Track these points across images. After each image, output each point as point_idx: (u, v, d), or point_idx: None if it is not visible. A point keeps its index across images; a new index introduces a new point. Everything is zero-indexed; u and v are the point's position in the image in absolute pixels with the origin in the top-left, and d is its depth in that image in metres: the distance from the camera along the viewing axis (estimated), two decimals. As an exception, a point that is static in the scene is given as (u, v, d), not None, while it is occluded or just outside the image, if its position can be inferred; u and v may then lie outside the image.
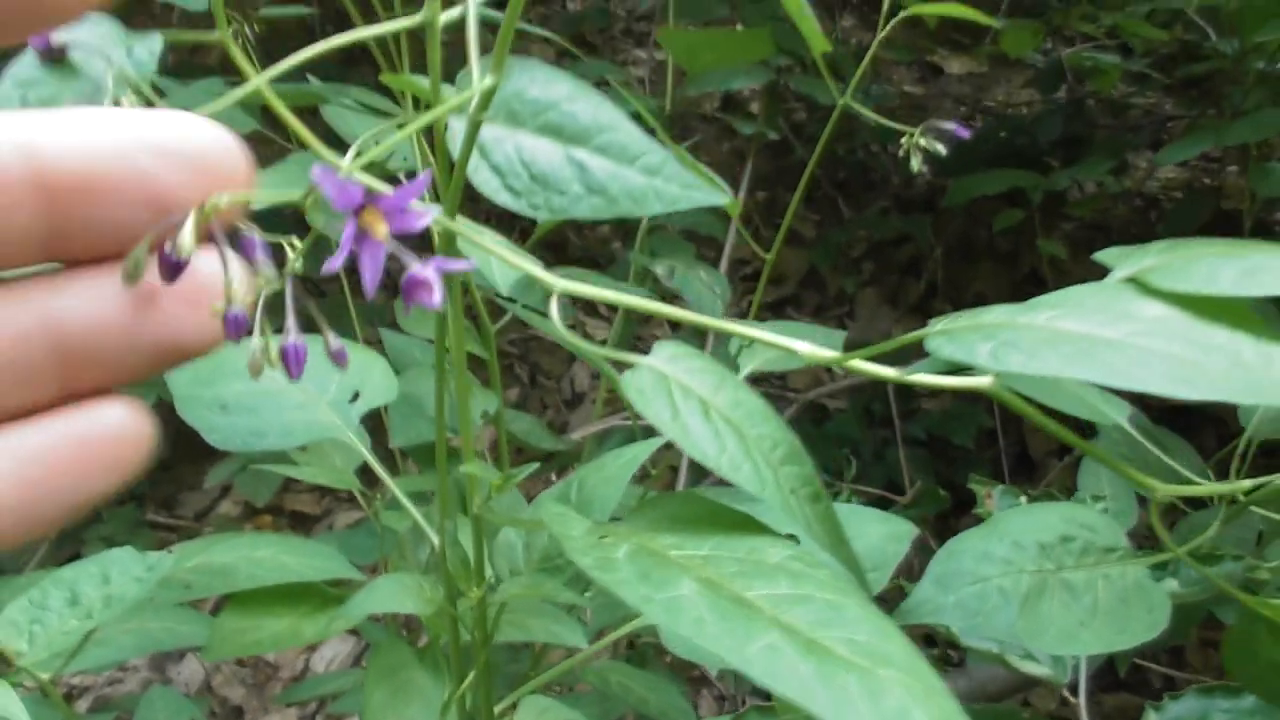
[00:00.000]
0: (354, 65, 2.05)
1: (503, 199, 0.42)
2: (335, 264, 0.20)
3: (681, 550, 0.33)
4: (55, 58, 0.38)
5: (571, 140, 0.42)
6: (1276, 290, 0.36)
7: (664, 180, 0.42)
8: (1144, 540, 1.07)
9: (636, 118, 1.23)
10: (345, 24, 0.67)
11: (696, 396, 0.38)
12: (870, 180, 1.96)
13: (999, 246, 1.79)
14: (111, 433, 0.21)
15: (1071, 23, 1.46)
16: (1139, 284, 0.38)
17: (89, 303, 0.21)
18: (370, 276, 0.20)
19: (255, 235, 0.21)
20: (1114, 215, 1.83)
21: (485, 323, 0.84)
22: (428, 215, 0.21)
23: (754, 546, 0.33)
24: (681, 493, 0.41)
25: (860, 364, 0.44)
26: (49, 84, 0.39)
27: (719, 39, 1.00)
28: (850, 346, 0.99)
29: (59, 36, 0.38)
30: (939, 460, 1.46)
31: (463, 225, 0.60)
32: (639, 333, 1.86)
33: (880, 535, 0.55)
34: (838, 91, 0.67)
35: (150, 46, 0.39)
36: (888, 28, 0.66)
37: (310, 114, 0.98)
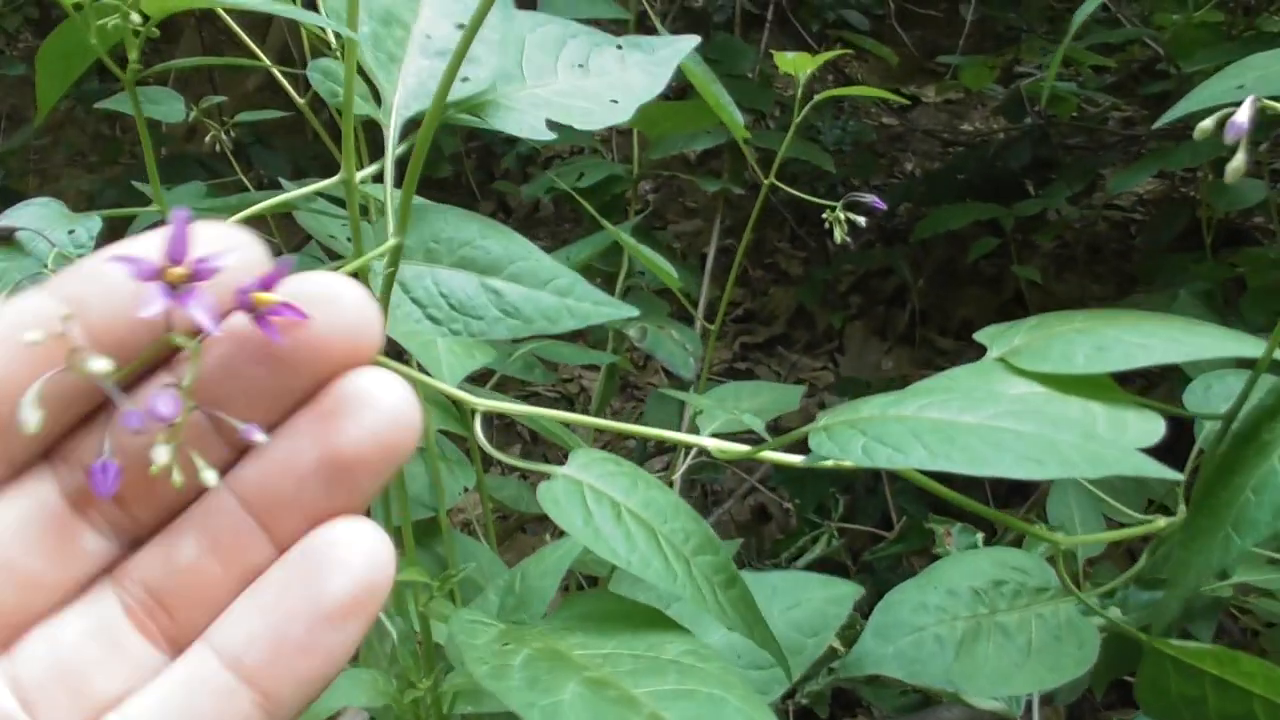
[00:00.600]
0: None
1: (424, 327, 0.46)
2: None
3: (586, 649, 0.36)
4: (3, 238, 0.42)
5: (486, 271, 0.46)
6: (1124, 366, 0.39)
7: (576, 299, 0.46)
8: (1123, 563, 1.09)
9: (610, 182, 1.27)
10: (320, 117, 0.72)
11: (609, 499, 0.42)
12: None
13: (983, 271, 1.82)
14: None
15: (1024, 54, 1.50)
16: (1008, 364, 0.41)
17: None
18: None
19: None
20: (1092, 232, 1.86)
21: (464, 400, 0.87)
22: None
23: (654, 642, 0.36)
24: (599, 591, 0.44)
25: (770, 454, 0.47)
26: (-2, 260, 0.43)
27: (673, 109, 1.04)
28: (842, 382, 1.00)
29: (5, 221, 0.42)
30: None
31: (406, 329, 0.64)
32: (636, 381, 1.90)
33: (822, 599, 0.58)
34: (761, 173, 0.71)
35: (89, 227, 0.44)
36: (804, 111, 0.69)
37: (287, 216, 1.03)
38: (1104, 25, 1.64)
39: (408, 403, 0.24)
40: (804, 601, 0.60)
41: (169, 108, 0.98)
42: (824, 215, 0.66)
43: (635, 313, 0.45)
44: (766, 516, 1.55)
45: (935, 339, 1.77)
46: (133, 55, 0.41)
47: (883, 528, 1.35)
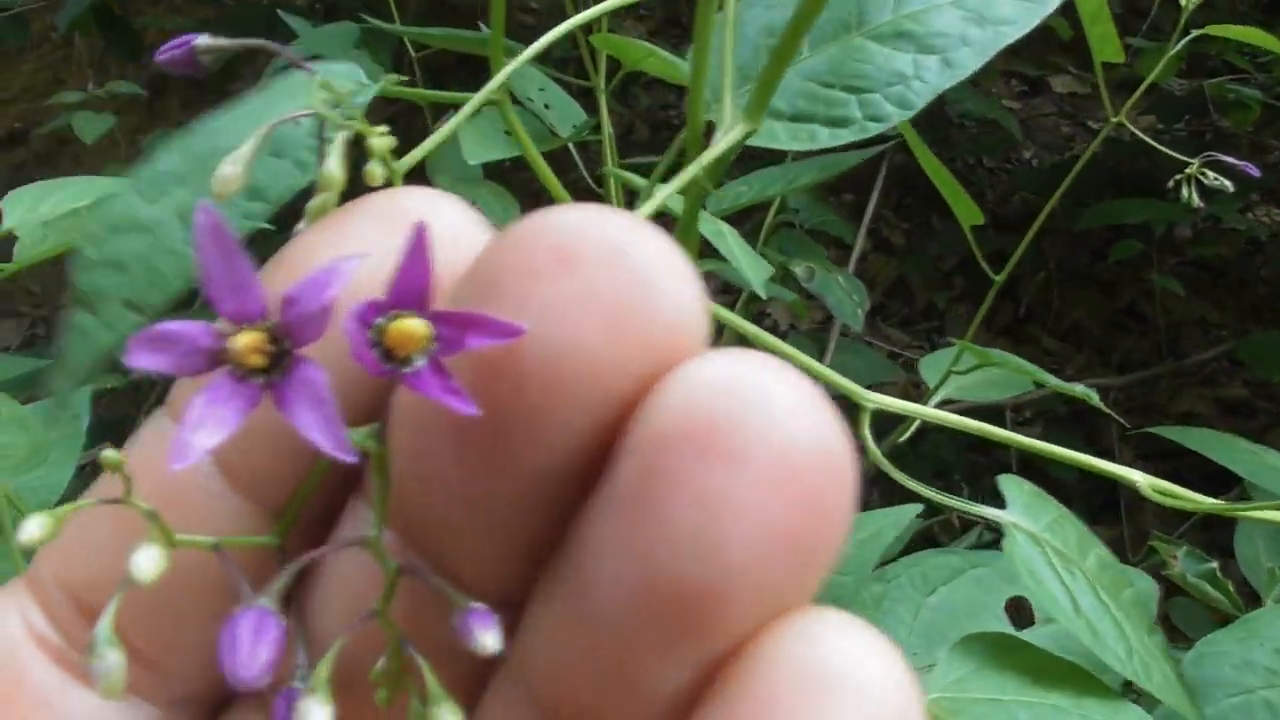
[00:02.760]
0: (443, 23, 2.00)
1: (839, 136, 0.33)
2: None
3: None
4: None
5: (869, 20, 0.33)
6: None
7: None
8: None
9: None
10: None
11: (1078, 568, 0.34)
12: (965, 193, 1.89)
13: (1099, 275, 1.73)
14: None
15: (1220, 50, 1.40)
16: None
17: None
18: None
19: None
20: (1215, 255, 1.77)
21: (855, 394, 0.79)
22: None
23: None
24: (1001, 636, 0.36)
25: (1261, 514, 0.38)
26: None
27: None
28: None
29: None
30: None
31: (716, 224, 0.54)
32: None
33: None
34: (1112, 109, 0.62)
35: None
36: (1177, 48, 0.60)
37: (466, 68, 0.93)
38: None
39: (821, 424, 0.13)
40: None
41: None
42: (1185, 172, 0.57)
43: None
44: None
45: (1041, 338, 1.68)
46: None
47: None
